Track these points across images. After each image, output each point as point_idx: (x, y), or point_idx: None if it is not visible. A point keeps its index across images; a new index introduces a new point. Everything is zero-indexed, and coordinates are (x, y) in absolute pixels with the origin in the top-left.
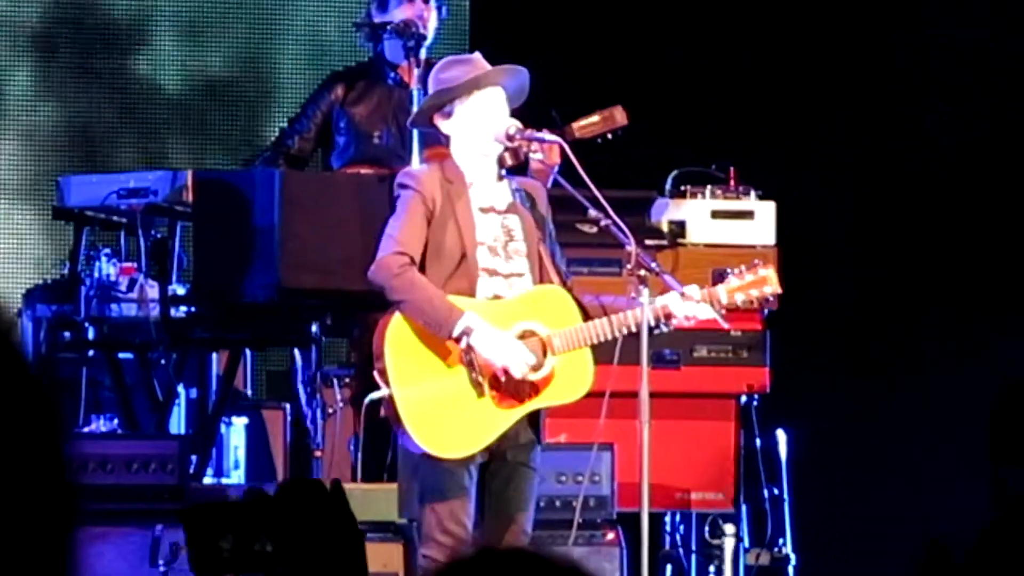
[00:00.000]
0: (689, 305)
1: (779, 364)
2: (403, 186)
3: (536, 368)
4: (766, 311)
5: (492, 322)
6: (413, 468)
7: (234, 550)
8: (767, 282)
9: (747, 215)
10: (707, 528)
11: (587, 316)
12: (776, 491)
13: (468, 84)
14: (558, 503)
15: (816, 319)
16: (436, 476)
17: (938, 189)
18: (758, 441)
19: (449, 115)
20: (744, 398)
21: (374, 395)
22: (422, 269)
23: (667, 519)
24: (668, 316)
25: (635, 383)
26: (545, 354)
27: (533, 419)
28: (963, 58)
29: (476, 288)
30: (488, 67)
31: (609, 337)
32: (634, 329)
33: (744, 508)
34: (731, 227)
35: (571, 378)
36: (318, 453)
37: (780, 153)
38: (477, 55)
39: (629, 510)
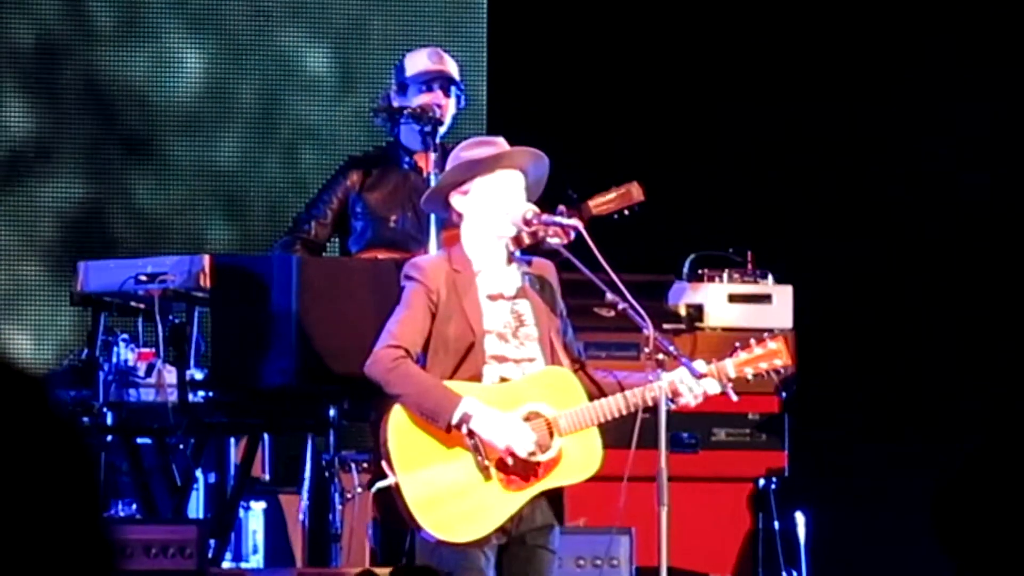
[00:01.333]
0: (696, 382)
1: (797, 447)
2: (408, 277)
3: (543, 449)
4: (784, 394)
5: (498, 405)
6: (430, 553)
7: None
8: (777, 355)
9: (765, 299)
10: None
11: (601, 393)
12: (795, 574)
13: (490, 161)
14: None
15: (834, 402)
16: (453, 560)
17: (956, 272)
18: (776, 524)
19: (466, 193)
20: (762, 481)
21: (380, 484)
22: (428, 361)
23: None
24: (676, 394)
25: (653, 467)
26: (552, 435)
27: (553, 501)
28: (980, 132)
29: (482, 376)
30: (511, 148)
31: (615, 415)
32: (640, 407)
33: None
34: (749, 311)
35: (580, 458)
36: (337, 539)
37: (797, 237)
38: (500, 139)
39: None
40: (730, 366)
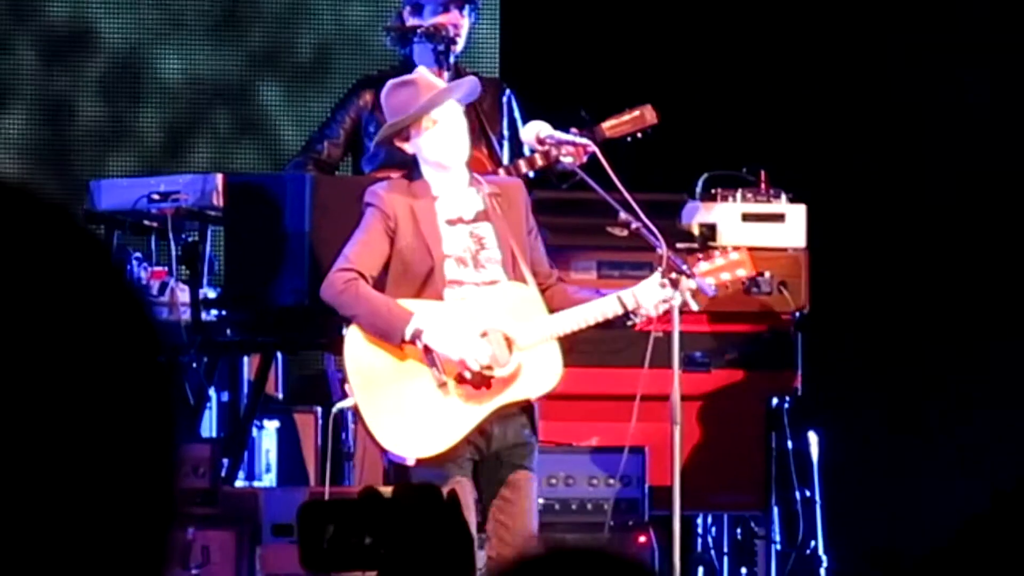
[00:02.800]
0: (657, 291)
1: (810, 366)
2: (367, 203)
3: (501, 363)
4: (797, 313)
5: (454, 323)
6: (406, 475)
7: (333, 542)
8: (740, 265)
9: (778, 218)
10: (739, 530)
11: (562, 303)
12: (808, 493)
13: (418, 111)
14: (590, 506)
15: (847, 321)
16: (431, 476)
17: (972, 190)
18: (789, 443)
19: (407, 139)
20: (775, 400)
21: (340, 404)
22: (389, 286)
23: (699, 521)
24: (633, 310)
25: (666, 387)
26: (511, 350)
27: (530, 420)
28: (1000, 65)
29: (444, 299)
30: (433, 84)
31: (574, 328)
32: (599, 319)
33: (776, 510)
34: (762, 230)
35: (539, 372)
36: (350, 458)
37: (811, 155)
38: (419, 74)
39: (661, 513)
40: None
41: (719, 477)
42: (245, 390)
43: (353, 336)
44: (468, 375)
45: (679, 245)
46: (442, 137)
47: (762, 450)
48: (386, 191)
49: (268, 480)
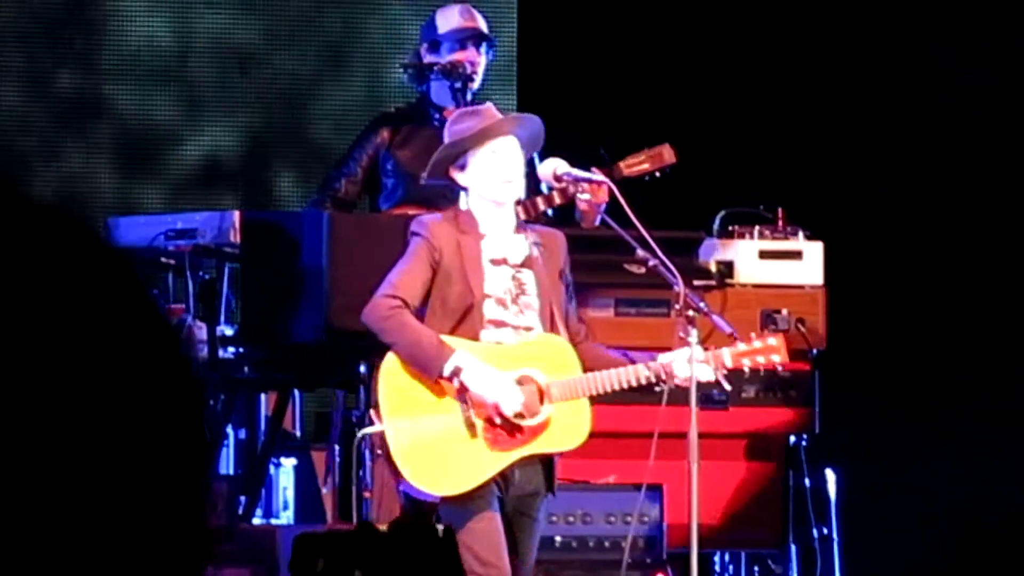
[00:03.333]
0: (691, 366)
1: (828, 404)
2: (413, 233)
3: (532, 414)
4: (814, 351)
5: (492, 365)
6: (440, 507)
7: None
8: (775, 351)
9: (795, 255)
10: (756, 568)
11: (600, 367)
12: (825, 531)
13: (479, 135)
14: (607, 544)
15: (864, 359)
16: (457, 512)
17: (989, 231)
18: (807, 481)
19: (463, 167)
20: (792, 438)
21: (367, 430)
22: (427, 319)
23: (716, 559)
24: (670, 375)
25: (683, 424)
26: (542, 401)
27: (545, 469)
28: (1008, 100)
29: (480, 339)
30: (499, 116)
31: (607, 390)
32: (634, 384)
33: (793, 548)
34: (779, 267)
35: (567, 427)
36: (367, 494)
37: (828, 193)
38: (488, 105)
39: (679, 550)
40: (727, 355)
41: (737, 515)
42: (262, 427)
43: (390, 364)
44: (498, 420)
45: (696, 282)
46: (498, 169)
47: (780, 488)
48: (434, 222)
49: (285, 517)
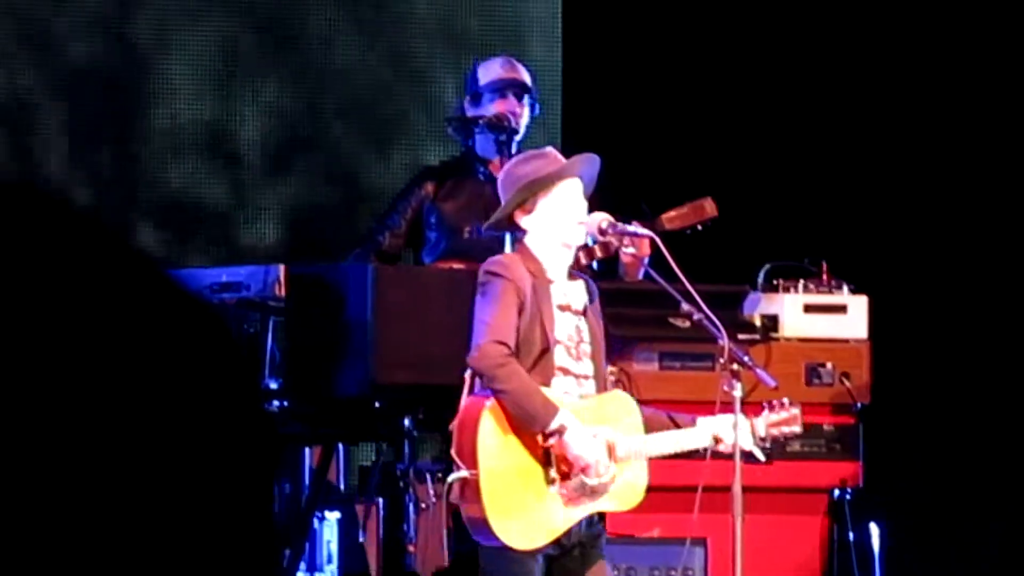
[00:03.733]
0: (734, 435)
1: (872, 458)
2: (493, 274)
3: (604, 472)
4: (859, 405)
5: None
6: (485, 559)
7: None
8: (796, 421)
9: (840, 309)
10: None
11: (649, 423)
12: None
13: (552, 176)
14: None
15: (909, 412)
16: (506, 567)
17: None
18: (851, 535)
19: (531, 211)
20: (837, 492)
21: (457, 474)
22: None
23: None
24: (717, 441)
25: (727, 477)
26: (609, 459)
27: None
28: None
29: (551, 385)
30: (562, 159)
31: (667, 454)
32: (689, 448)
33: None
34: (824, 321)
35: (629, 486)
36: (411, 548)
37: (873, 247)
38: (550, 148)
39: None
40: (761, 425)
41: (781, 569)
42: (307, 481)
43: (493, 411)
44: (575, 479)
45: (741, 336)
46: (571, 211)
47: (824, 542)
48: (513, 263)
49: (329, 571)
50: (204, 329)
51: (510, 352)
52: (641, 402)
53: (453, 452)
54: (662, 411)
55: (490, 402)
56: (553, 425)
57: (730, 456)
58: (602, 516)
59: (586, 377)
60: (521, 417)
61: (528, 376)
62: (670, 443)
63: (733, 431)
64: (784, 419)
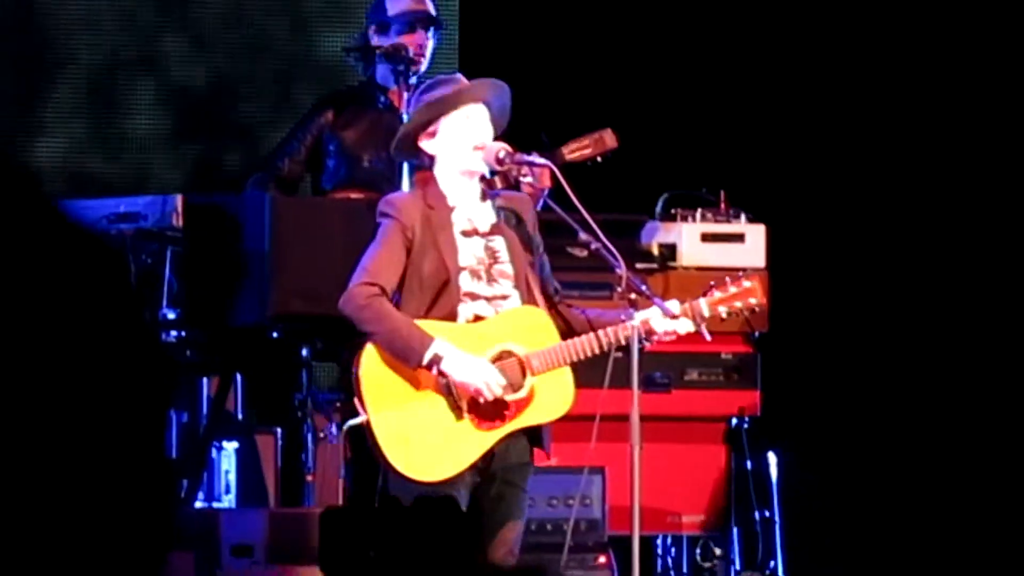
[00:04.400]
0: (669, 320)
1: (769, 387)
2: (383, 214)
3: (515, 388)
4: (756, 334)
5: (469, 345)
6: (402, 493)
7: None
8: (752, 293)
9: (738, 238)
10: (698, 551)
11: (572, 331)
12: (767, 514)
13: (452, 98)
14: (549, 526)
15: (806, 342)
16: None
17: (928, 211)
18: (749, 464)
19: (434, 134)
20: (735, 421)
21: (352, 421)
22: (403, 297)
23: (658, 542)
24: (649, 332)
25: (625, 406)
26: (524, 375)
27: (532, 439)
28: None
29: (457, 313)
30: (471, 83)
31: (588, 355)
32: (613, 346)
33: (735, 531)
34: (722, 250)
35: (551, 398)
36: (309, 478)
37: (770, 175)
38: (459, 75)
39: (620, 533)
40: (704, 305)
41: (679, 498)
42: (204, 411)
43: (370, 354)
44: (482, 401)
45: (639, 265)
46: (471, 135)
47: (722, 471)
48: (403, 200)
49: (227, 501)
50: (95, 261)
51: (377, 292)
52: (572, 303)
53: (355, 399)
54: (585, 311)
55: (368, 345)
56: (426, 358)
57: (628, 376)
58: (534, 446)
59: (503, 297)
60: (395, 355)
61: (396, 313)
62: (591, 345)
63: (664, 320)
64: (734, 294)
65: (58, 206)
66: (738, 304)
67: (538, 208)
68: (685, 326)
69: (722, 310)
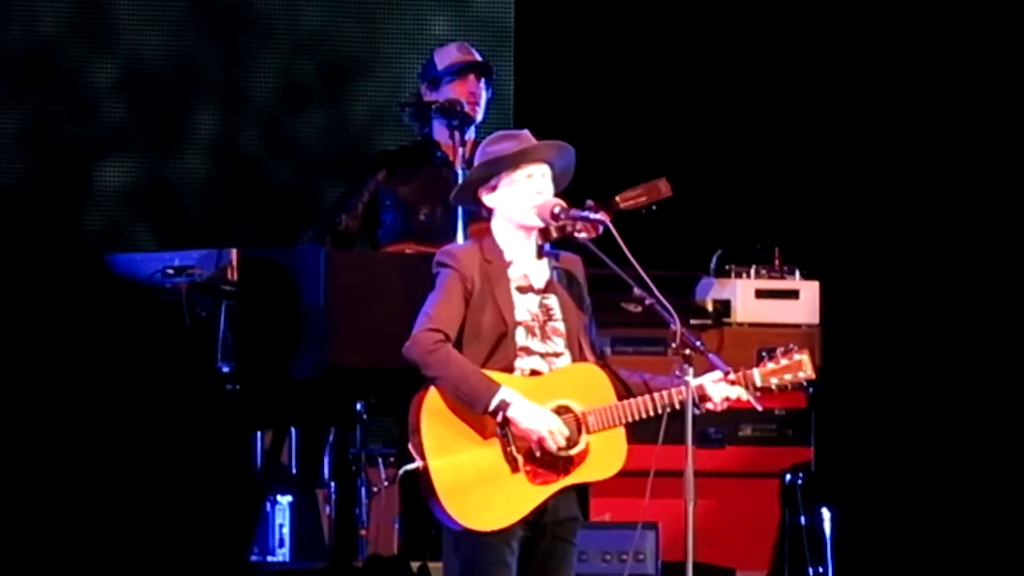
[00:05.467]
0: (723, 387)
1: (824, 443)
2: (441, 264)
3: (571, 445)
4: (811, 390)
5: (528, 398)
6: (454, 543)
7: None
8: (802, 367)
9: (792, 294)
10: None
11: (627, 391)
12: (821, 570)
13: (515, 157)
14: None
15: (861, 398)
16: (476, 551)
17: (982, 269)
18: (803, 519)
19: (494, 188)
20: (789, 476)
21: (408, 467)
22: (461, 348)
23: None
24: (704, 398)
25: (679, 462)
26: (580, 431)
27: (580, 495)
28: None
29: (514, 367)
30: (536, 142)
31: (644, 416)
32: (668, 409)
33: None
34: (775, 306)
35: (605, 455)
36: (363, 532)
37: (824, 232)
38: (526, 131)
39: None
40: (756, 375)
41: (733, 553)
42: (258, 464)
43: (432, 399)
44: (539, 454)
45: (693, 321)
46: (532, 194)
47: (776, 527)
48: (461, 251)
49: (281, 555)
50: (153, 315)
51: (443, 339)
52: (619, 365)
53: (411, 445)
54: (637, 374)
55: (430, 391)
56: (493, 404)
57: (682, 432)
58: (583, 504)
59: (556, 355)
60: (462, 400)
61: (463, 359)
62: (647, 407)
63: (718, 386)
64: (786, 367)
65: (110, 261)
66: (788, 377)
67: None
68: (738, 392)
69: (773, 381)
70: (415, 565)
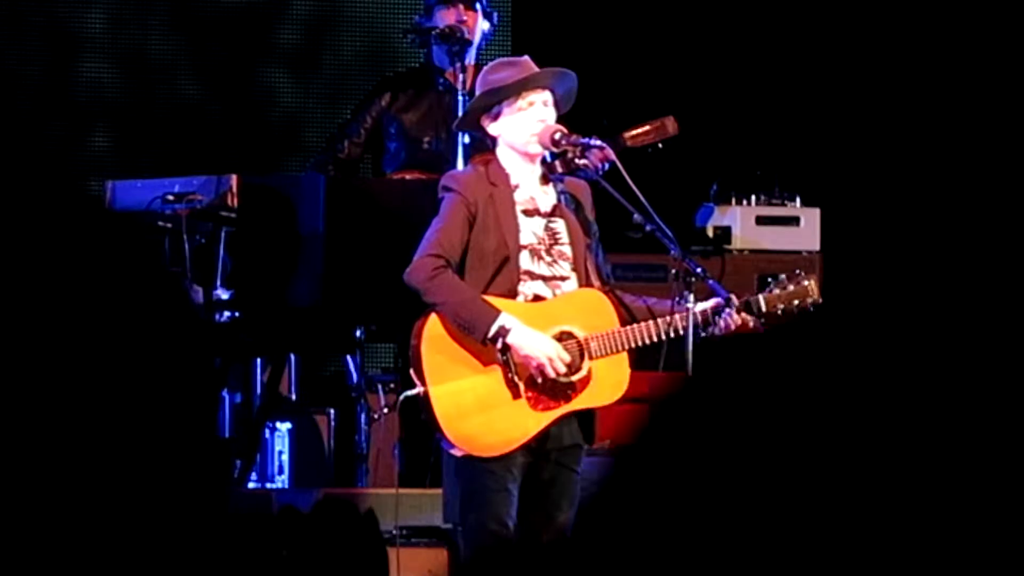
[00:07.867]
0: (728, 313)
1: None
2: (446, 188)
3: (573, 371)
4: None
5: (530, 323)
6: (455, 470)
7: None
8: (808, 293)
9: (792, 221)
10: None
11: (631, 317)
12: None
13: (516, 85)
14: None
15: (860, 326)
16: (478, 477)
17: (987, 193)
18: None
19: (496, 116)
20: None
21: (408, 393)
22: (464, 273)
23: None
24: (706, 322)
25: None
26: (582, 357)
27: (583, 422)
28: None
29: (517, 291)
30: (537, 69)
31: (647, 342)
32: (672, 335)
33: None
34: (776, 233)
35: (608, 382)
36: (363, 458)
37: (825, 159)
38: (526, 58)
39: None
40: (762, 301)
41: None
42: (258, 392)
43: (433, 325)
44: (540, 380)
45: (693, 248)
46: (532, 121)
47: None
48: (466, 176)
49: (280, 482)
50: (132, 248)
51: (443, 264)
52: (623, 290)
53: (411, 371)
54: (641, 299)
55: (431, 317)
56: (492, 330)
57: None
58: (587, 430)
59: (561, 279)
60: (461, 326)
61: (463, 285)
62: (650, 332)
63: (717, 312)
64: (792, 292)
65: (86, 192)
66: (795, 302)
67: (599, 173)
68: (743, 318)
69: (779, 307)
70: (396, 491)
